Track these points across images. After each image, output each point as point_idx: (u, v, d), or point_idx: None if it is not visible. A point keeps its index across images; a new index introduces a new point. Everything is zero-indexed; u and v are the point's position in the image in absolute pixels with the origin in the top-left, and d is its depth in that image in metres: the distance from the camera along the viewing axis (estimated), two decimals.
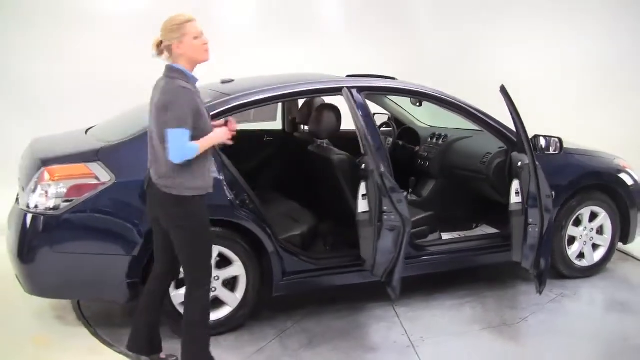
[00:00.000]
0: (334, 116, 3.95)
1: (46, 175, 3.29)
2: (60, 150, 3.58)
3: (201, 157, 2.79)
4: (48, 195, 3.25)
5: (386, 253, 3.31)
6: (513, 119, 3.54)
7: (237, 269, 3.52)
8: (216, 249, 3.44)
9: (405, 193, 3.51)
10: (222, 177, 3.43)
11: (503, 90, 3.43)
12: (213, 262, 3.43)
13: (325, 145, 4.06)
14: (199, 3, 6.77)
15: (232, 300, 3.54)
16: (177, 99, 2.68)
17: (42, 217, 3.25)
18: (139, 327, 3.12)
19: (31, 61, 5.98)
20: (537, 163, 3.44)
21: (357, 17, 7.73)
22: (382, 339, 3.50)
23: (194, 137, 2.73)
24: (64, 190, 3.24)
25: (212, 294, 3.45)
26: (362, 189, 3.52)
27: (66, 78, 6.04)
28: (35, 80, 5.99)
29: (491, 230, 4.38)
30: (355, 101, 3.73)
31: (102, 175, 3.28)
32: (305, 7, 7.55)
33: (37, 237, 3.29)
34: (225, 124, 2.98)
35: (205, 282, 2.98)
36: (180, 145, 2.68)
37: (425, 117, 5.17)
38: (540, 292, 3.51)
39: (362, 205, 3.48)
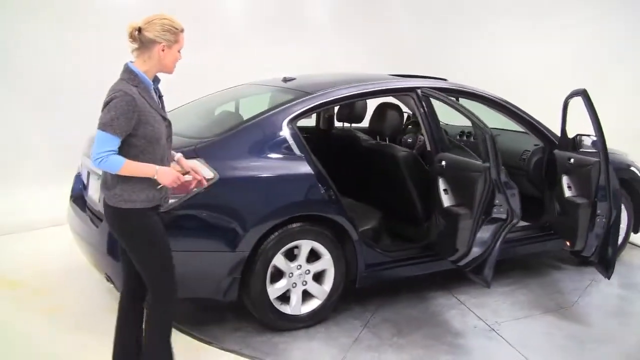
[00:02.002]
0: (397, 115, 4.13)
1: None
2: None
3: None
4: None
5: (483, 244, 3.53)
6: (592, 120, 3.79)
7: (325, 262, 3.62)
8: (308, 245, 3.55)
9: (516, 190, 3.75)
10: (313, 173, 3.53)
11: (585, 94, 3.74)
12: (304, 257, 3.55)
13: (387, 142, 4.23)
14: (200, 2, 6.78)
15: (321, 293, 3.64)
16: (113, 102, 2.49)
17: None
18: (126, 343, 2.90)
19: (40, 57, 5.70)
20: (609, 160, 3.77)
21: (344, 14, 7.95)
22: (462, 325, 3.72)
23: (134, 144, 2.56)
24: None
25: (302, 287, 3.56)
26: (442, 184, 3.74)
27: (75, 73, 5.80)
28: (44, 76, 5.71)
29: (523, 223, 4.72)
30: (424, 102, 3.95)
31: (205, 171, 3.27)
32: (292, 5, 7.65)
33: None
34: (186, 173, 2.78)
35: (164, 299, 2.75)
36: (99, 151, 2.49)
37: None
38: (609, 277, 3.86)
39: (446, 200, 3.69)
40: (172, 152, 2.83)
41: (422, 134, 5.17)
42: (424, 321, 3.77)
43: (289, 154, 3.53)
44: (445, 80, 4.36)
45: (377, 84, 4.00)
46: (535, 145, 4.53)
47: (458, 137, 5.15)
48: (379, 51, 7.96)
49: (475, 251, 3.53)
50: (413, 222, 4.10)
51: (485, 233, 3.51)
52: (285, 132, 3.54)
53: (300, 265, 3.55)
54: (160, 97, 2.74)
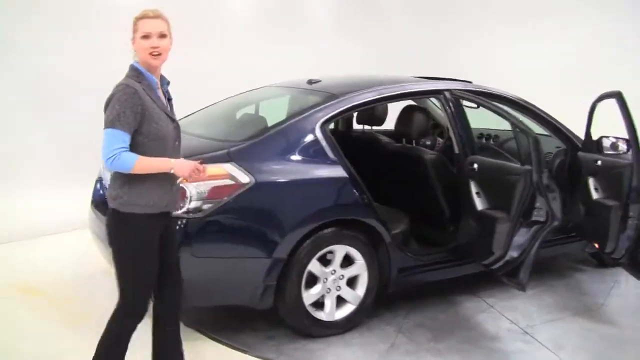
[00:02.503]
0: (424, 117, 4.10)
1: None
2: (184, 150, 3.43)
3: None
4: (188, 198, 3.13)
5: (519, 247, 3.50)
6: (626, 123, 3.78)
7: (359, 267, 3.57)
8: (343, 250, 3.50)
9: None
10: (347, 176, 3.48)
11: (619, 96, 3.73)
12: (339, 262, 3.49)
13: (413, 145, 4.19)
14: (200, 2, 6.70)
15: (354, 298, 3.59)
16: (116, 97, 2.43)
17: (180, 221, 3.13)
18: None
19: (44, 57, 5.55)
20: None
21: (344, 14, 7.93)
22: (496, 328, 3.69)
23: (140, 143, 2.49)
24: (206, 192, 3.14)
25: (337, 293, 3.51)
26: (474, 187, 3.71)
27: (80, 74, 5.66)
28: (48, 76, 5.57)
29: None
30: (452, 104, 3.92)
31: (240, 176, 3.21)
32: (292, 5, 7.61)
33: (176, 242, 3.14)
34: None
35: (125, 312, 2.63)
36: (110, 149, 2.39)
37: None
38: None
39: (480, 203, 3.66)
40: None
41: (439, 137, 5.20)
42: (456, 325, 3.73)
43: (322, 157, 3.47)
44: (470, 82, 4.33)
45: (406, 85, 3.96)
46: (557, 147, 4.53)
47: (477, 139, 5.13)
48: (380, 51, 7.96)
49: (511, 254, 3.51)
50: (439, 226, 4.07)
51: (522, 236, 3.48)
52: (319, 135, 3.49)
53: (335, 271, 3.50)
54: (169, 99, 2.69)
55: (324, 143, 3.49)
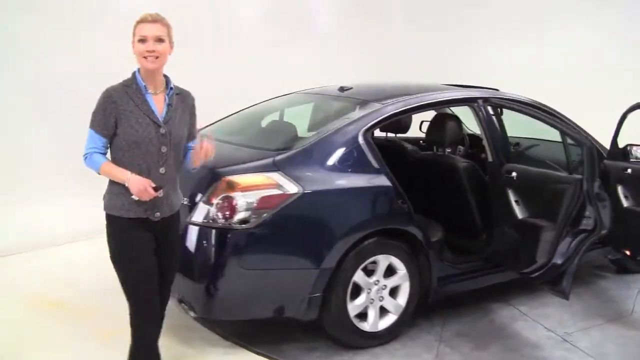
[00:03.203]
0: (456, 125, 4.09)
1: (229, 187, 3.10)
2: (223, 159, 3.37)
3: (129, 170, 2.54)
4: (236, 208, 3.05)
5: (562, 255, 3.49)
6: None
7: (402, 277, 3.54)
8: (387, 259, 3.46)
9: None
10: (391, 185, 3.45)
11: None
12: (382, 272, 3.46)
13: (447, 152, 4.17)
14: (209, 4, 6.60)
15: (397, 308, 3.55)
16: (98, 99, 2.54)
17: (229, 232, 3.06)
18: None
19: (51, 60, 5.40)
20: None
21: (346, 19, 7.92)
22: (534, 336, 3.68)
23: (118, 146, 2.54)
24: (255, 202, 3.07)
25: (380, 303, 3.47)
26: (512, 195, 3.71)
27: (86, 78, 5.50)
28: (56, 80, 5.41)
29: None
30: (485, 112, 3.92)
31: (288, 185, 3.15)
32: (297, 11, 7.57)
33: (224, 254, 3.08)
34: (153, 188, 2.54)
35: (135, 315, 2.68)
36: (86, 148, 2.55)
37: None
38: None
39: (520, 211, 3.66)
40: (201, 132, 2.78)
41: (461, 146, 5.18)
42: (495, 334, 3.72)
43: (366, 165, 3.43)
44: (497, 90, 4.34)
45: (444, 93, 3.94)
46: (579, 155, 4.55)
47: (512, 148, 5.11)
48: (382, 55, 7.97)
49: (554, 263, 3.51)
50: (471, 234, 4.06)
51: (566, 244, 3.49)
52: (362, 143, 3.45)
53: (378, 281, 3.46)
54: (169, 104, 2.62)
55: (367, 151, 3.45)
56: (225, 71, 6.60)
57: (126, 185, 2.51)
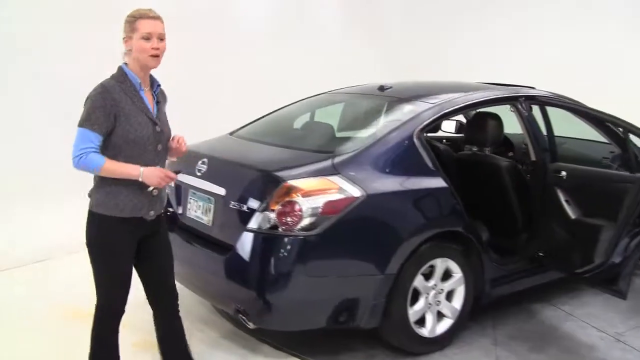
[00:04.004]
0: (498, 124, 4.02)
1: (291, 192, 2.96)
2: (274, 162, 3.25)
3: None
4: (301, 214, 2.92)
5: (620, 255, 3.46)
6: None
7: (458, 280, 3.46)
8: (444, 263, 3.39)
9: None
10: (447, 187, 3.36)
11: None
12: (439, 276, 3.38)
13: (487, 152, 4.10)
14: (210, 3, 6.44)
15: (453, 312, 3.47)
16: (89, 97, 2.41)
17: (294, 239, 2.92)
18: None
19: (68, 62, 5.16)
20: None
21: (349, 19, 7.84)
22: (587, 337, 3.64)
23: (115, 144, 2.44)
24: (320, 207, 2.95)
25: (437, 308, 3.39)
26: (561, 194, 3.66)
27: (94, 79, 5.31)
28: (73, 82, 5.15)
29: None
30: (527, 111, 3.86)
31: (350, 189, 3.03)
32: (297, 12, 7.47)
33: (289, 262, 2.94)
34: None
35: (102, 314, 2.63)
36: (78, 148, 2.37)
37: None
38: None
39: (571, 211, 3.61)
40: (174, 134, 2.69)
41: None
42: (548, 335, 3.67)
43: (423, 167, 3.34)
44: (533, 88, 4.29)
45: (490, 92, 3.87)
46: (611, 152, 4.54)
47: (524, 145, 5.09)
48: (385, 53, 7.93)
49: (612, 262, 3.47)
50: (512, 234, 4.00)
51: (624, 244, 3.45)
52: (417, 144, 3.35)
53: (436, 285, 3.37)
54: (157, 102, 2.60)
55: (422, 152, 3.35)
56: (227, 72, 6.47)
57: (140, 179, 2.43)
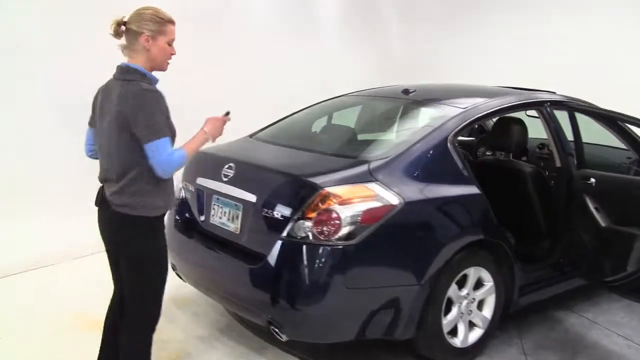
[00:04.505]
0: (522, 129, 3.96)
1: (329, 199, 2.85)
2: (307, 167, 3.13)
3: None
4: (340, 223, 2.81)
5: None
6: None
7: (489, 288, 3.39)
8: (477, 271, 3.31)
9: None
10: (480, 193, 3.29)
11: None
12: (472, 284, 3.31)
13: (510, 157, 4.04)
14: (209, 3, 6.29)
15: (484, 321, 3.40)
16: (148, 105, 2.34)
17: (333, 248, 2.81)
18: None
19: (68, 66, 4.97)
20: None
21: (348, 20, 7.76)
22: (616, 346, 3.60)
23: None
24: (359, 216, 2.84)
25: (468, 317, 3.31)
26: (590, 202, 3.60)
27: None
28: (73, 85, 4.96)
29: None
30: (552, 116, 3.81)
31: (388, 196, 2.93)
32: (297, 11, 7.36)
33: (327, 273, 2.83)
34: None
35: (152, 320, 2.63)
36: (166, 158, 2.35)
37: None
38: None
39: (602, 218, 3.56)
40: None
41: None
42: (575, 344, 3.62)
43: (457, 173, 3.26)
44: (554, 92, 4.24)
45: (514, 96, 3.80)
46: (628, 158, 4.52)
47: (538, 150, 5.05)
48: (383, 56, 7.86)
49: None
50: (534, 241, 3.95)
51: None
52: (451, 150, 3.26)
53: (468, 294, 3.29)
54: None
55: (456, 158, 3.27)
56: (227, 71, 6.33)
57: (211, 140, 2.55)
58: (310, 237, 2.83)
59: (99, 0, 4.82)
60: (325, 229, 2.82)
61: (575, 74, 6.77)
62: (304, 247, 2.84)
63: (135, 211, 2.44)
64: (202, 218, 3.43)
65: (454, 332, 3.29)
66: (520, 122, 3.97)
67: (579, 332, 3.79)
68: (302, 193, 2.93)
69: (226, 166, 3.28)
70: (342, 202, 2.84)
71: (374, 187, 2.94)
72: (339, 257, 2.82)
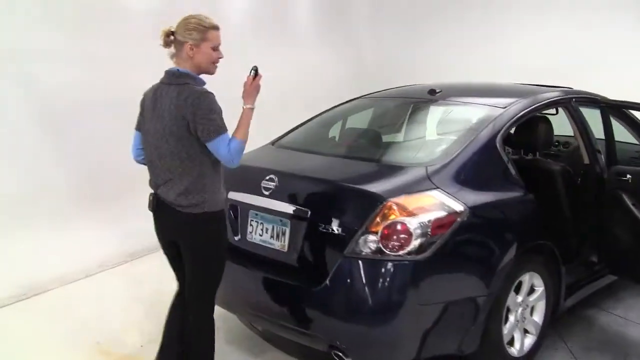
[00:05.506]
0: (549, 128, 3.87)
1: (396, 211, 2.65)
2: (366, 176, 2.93)
3: (215, 168, 2.57)
4: (411, 236, 2.62)
5: None
6: None
7: (541, 294, 3.28)
8: (532, 277, 3.22)
9: None
10: (533, 196, 3.17)
11: None
12: (526, 291, 3.20)
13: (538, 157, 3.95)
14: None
15: (536, 327, 3.29)
16: (206, 106, 2.45)
17: (403, 263, 2.62)
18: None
19: (58, 69, 4.55)
20: None
21: (324, 22, 7.58)
22: None
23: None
24: (429, 227, 2.66)
25: (523, 325, 3.20)
26: (627, 199, 3.56)
27: (97, 87, 4.75)
28: (63, 90, 4.56)
29: None
30: (579, 113, 3.75)
31: (453, 204, 2.77)
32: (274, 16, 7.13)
33: (399, 290, 2.63)
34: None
35: (212, 313, 2.73)
36: (227, 151, 2.45)
37: None
38: None
39: None
40: None
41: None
42: (620, 345, 3.57)
43: (510, 176, 3.13)
44: (571, 88, 4.19)
45: (549, 94, 3.71)
46: (637, 152, 4.53)
47: (557, 147, 4.96)
48: (358, 60, 7.74)
49: None
50: (562, 240, 3.88)
51: None
52: (501, 152, 3.13)
53: (523, 301, 3.17)
54: None
55: (505, 159, 3.15)
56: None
57: (251, 107, 2.56)
58: (378, 253, 2.63)
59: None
60: (393, 243, 2.62)
61: (549, 72, 6.86)
62: (372, 264, 2.64)
63: (202, 208, 2.52)
64: (237, 236, 3.16)
65: (511, 341, 3.16)
66: (546, 119, 3.88)
67: (618, 331, 3.74)
68: (363, 205, 2.72)
69: (266, 178, 3.02)
70: (410, 214, 2.65)
71: (438, 195, 2.76)
72: (411, 272, 2.63)
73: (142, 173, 2.76)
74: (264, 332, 3.52)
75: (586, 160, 3.75)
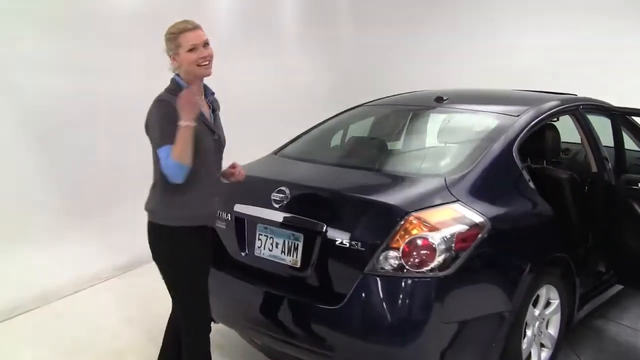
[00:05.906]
0: (557, 135, 3.80)
1: (418, 226, 2.54)
2: (384, 188, 2.81)
3: (191, 178, 2.38)
4: (434, 251, 2.50)
5: None
6: None
7: (556, 307, 3.20)
8: (549, 290, 3.13)
9: None
10: (550, 208, 3.09)
11: None
12: (543, 304, 3.10)
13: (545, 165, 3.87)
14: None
15: (551, 341, 3.20)
16: (154, 113, 2.43)
17: (428, 280, 2.50)
18: None
19: (51, 78, 4.36)
20: None
21: (311, 27, 7.46)
22: None
23: None
24: (453, 242, 2.54)
25: (539, 339, 3.11)
26: (638, 208, 3.50)
27: (90, 96, 4.56)
28: (49, 101, 4.35)
29: None
30: (586, 120, 3.69)
31: (474, 217, 2.66)
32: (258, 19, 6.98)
33: (423, 309, 2.51)
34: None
35: (199, 331, 2.61)
36: (166, 165, 2.33)
37: None
38: None
39: None
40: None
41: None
42: (632, 355, 3.53)
43: (526, 187, 3.04)
44: (575, 95, 4.13)
45: (560, 100, 3.63)
46: (638, 158, 4.50)
47: (562, 154, 4.90)
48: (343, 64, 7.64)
49: None
50: (574, 249, 3.81)
51: None
52: (517, 162, 3.04)
53: (539, 314, 3.08)
54: (213, 110, 2.62)
55: (523, 171, 3.05)
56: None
57: (188, 124, 2.31)
58: (399, 270, 2.50)
59: None
60: (416, 260, 2.50)
61: (544, 76, 6.86)
62: (394, 281, 2.51)
63: (153, 218, 2.50)
64: (244, 252, 3.01)
65: (528, 357, 3.06)
66: (553, 127, 3.82)
67: (628, 341, 3.69)
68: (383, 219, 2.60)
69: (276, 190, 2.88)
70: (432, 228, 2.54)
71: (459, 208, 2.65)
72: (435, 289, 2.50)
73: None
74: (263, 347, 3.37)
75: (594, 169, 3.69)
